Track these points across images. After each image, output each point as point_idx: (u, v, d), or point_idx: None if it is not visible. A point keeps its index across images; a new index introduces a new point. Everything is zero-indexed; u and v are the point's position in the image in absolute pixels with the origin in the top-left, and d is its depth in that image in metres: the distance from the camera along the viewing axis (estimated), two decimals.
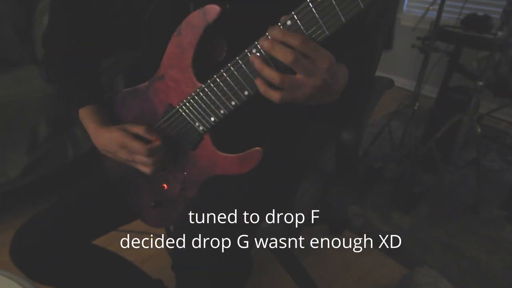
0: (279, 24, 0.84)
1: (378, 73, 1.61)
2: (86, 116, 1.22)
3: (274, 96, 0.88)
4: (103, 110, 1.24)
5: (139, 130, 1.12)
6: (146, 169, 1.14)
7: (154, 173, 1.15)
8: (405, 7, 4.83)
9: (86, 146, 2.48)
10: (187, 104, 1.06)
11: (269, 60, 0.88)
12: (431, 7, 2.77)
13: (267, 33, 0.85)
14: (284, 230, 1.32)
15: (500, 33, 2.41)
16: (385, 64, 2.58)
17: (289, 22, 0.83)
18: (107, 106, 1.26)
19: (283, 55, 0.83)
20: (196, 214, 1.06)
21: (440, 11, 2.60)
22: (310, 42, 0.82)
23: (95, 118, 1.21)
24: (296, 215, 1.39)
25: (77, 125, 2.32)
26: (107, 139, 1.16)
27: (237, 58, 0.92)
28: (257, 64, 0.87)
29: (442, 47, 2.92)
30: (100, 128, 1.18)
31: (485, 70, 2.48)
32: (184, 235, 1.03)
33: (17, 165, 2.28)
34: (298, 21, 0.82)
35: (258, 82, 0.89)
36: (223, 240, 1.00)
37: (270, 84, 0.88)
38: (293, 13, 0.81)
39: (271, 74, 0.86)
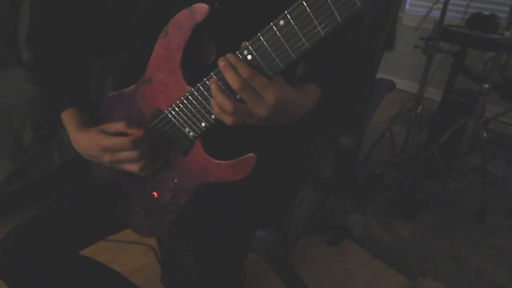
0: (271, 24, 0.83)
1: (379, 75, 1.62)
2: (67, 119, 1.21)
3: (227, 120, 0.96)
4: (85, 113, 1.23)
5: (119, 126, 1.10)
6: (133, 167, 1.12)
7: (143, 171, 1.13)
8: (407, 6, 4.84)
9: (73, 152, 2.44)
10: (176, 108, 1.05)
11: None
12: (434, 6, 2.76)
13: (258, 34, 0.87)
14: (280, 239, 1.32)
15: (507, 33, 2.40)
16: (386, 66, 2.58)
17: (282, 22, 0.82)
18: (93, 109, 1.25)
19: (232, 80, 0.89)
20: (188, 224, 1.06)
21: (444, 10, 2.60)
22: (258, 78, 0.88)
23: (75, 121, 1.19)
24: (293, 223, 1.38)
25: (64, 130, 2.32)
26: (85, 141, 1.14)
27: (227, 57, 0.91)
28: (213, 89, 0.94)
29: (446, 48, 2.92)
30: (79, 131, 1.17)
31: (491, 72, 2.48)
32: (175, 245, 1.03)
33: (1, 172, 2.27)
34: (291, 20, 0.82)
35: (213, 104, 0.95)
36: (215, 250, 1.00)
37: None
38: (286, 12, 0.81)
39: (224, 102, 0.93)
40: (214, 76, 0.94)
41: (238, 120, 0.95)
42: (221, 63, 0.90)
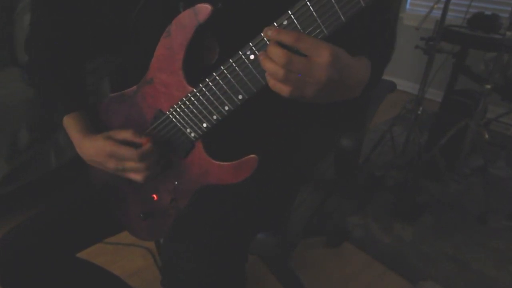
0: (275, 24, 0.84)
1: None
2: (70, 124, 1.21)
3: (283, 89, 0.87)
4: (87, 117, 1.23)
5: (126, 134, 1.11)
6: (137, 176, 1.13)
7: (145, 181, 1.14)
8: (408, 6, 4.84)
9: (69, 153, 2.47)
10: (178, 109, 1.06)
11: None
12: (435, 6, 2.77)
13: (262, 34, 0.86)
14: (280, 242, 1.32)
15: (509, 33, 2.41)
16: (387, 66, 2.58)
17: (285, 22, 0.83)
18: (91, 111, 1.25)
19: (276, 57, 0.83)
20: (188, 226, 1.06)
21: (445, 9, 2.60)
22: (306, 38, 0.82)
23: (79, 127, 1.19)
24: (292, 225, 1.38)
25: (60, 130, 2.31)
26: (92, 149, 1.15)
27: (231, 60, 0.92)
28: (260, 56, 0.87)
29: (447, 48, 2.92)
30: (84, 138, 1.17)
31: (492, 73, 2.49)
32: (175, 245, 1.03)
33: None
34: (294, 20, 0.82)
35: (266, 75, 0.88)
36: (216, 251, 1.00)
37: None
38: (289, 12, 0.82)
39: (273, 67, 0.85)
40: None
41: (295, 90, 0.87)
42: (261, 57, 0.86)
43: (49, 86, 1.27)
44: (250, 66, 0.91)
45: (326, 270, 2.29)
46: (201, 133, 1.06)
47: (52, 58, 1.29)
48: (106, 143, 1.11)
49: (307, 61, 0.83)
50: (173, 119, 1.08)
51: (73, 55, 1.31)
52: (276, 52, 0.83)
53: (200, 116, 1.03)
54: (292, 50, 0.83)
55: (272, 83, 0.88)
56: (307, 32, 0.82)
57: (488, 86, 2.50)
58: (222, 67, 0.94)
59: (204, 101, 1.00)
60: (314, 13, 0.80)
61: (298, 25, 0.82)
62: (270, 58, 0.85)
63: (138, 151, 1.08)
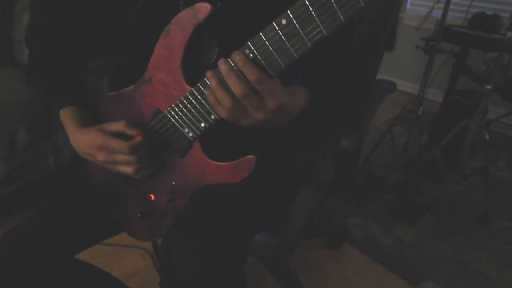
0: (274, 24, 0.84)
1: (379, 76, 1.62)
2: (66, 117, 1.21)
3: (222, 113, 0.96)
4: (84, 112, 1.23)
5: (118, 126, 1.11)
6: (128, 169, 1.12)
7: (137, 174, 1.14)
8: (408, 5, 4.85)
9: (68, 154, 2.47)
10: (176, 108, 1.06)
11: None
12: (436, 5, 2.77)
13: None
14: (279, 243, 1.32)
15: (509, 33, 2.40)
16: (387, 66, 2.58)
17: (284, 22, 0.83)
18: (91, 110, 1.25)
19: (236, 86, 0.88)
20: (187, 227, 1.06)
21: (445, 9, 2.61)
22: (266, 82, 0.88)
23: (75, 120, 1.19)
24: (292, 226, 1.38)
25: (59, 131, 2.31)
26: (84, 140, 1.15)
27: (229, 60, 0.92)
28: (212, 83, 0.92)
29: (448, 48, 2.93)
30: (78, 130, 1.17)
31: (493, 73, 2.48)
32: (173, 249, 1.03)
33: None
34: (293, 20, 0.82)
35: (209, 94, 0.95)
36: (215, 251, 1.00)
37: None
38: (288, 11, 0.82)
39: (224, 97, 0.92)
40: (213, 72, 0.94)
41: (232, 117, 0.95)
42: (222, 66, 0.89)
43: (49, 83, 1.27)
44: None
45: (325, 272, 2.29)
46: (199, 132, 1.06)
47: (51, 57, 1.29)
48: (97, 134, 1.11)
49: (258, 103, 0.91)
50: (171, 118, 1.08)
51: (73, 54, 1.32)
52: (236, 82, 0.88)
53: (198, 116, 1.03)
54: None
55: (214, 103, 0.95)
56: (306, 32, 0.83)
57: (489, 87, 2.50)
58: None
59: (203, 101, 1.00)
60: (313, 13, 0.80)
61: (297, 25, 0.82)
62: (222, 86, 0.91)
63: (128, 144, 1.07)
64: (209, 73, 0.93)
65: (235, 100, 0.90)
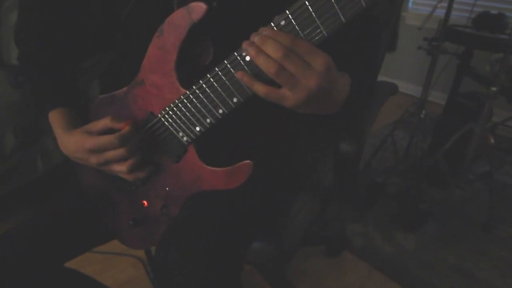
0: (272, 24, 0.84)
1: (380, 78, 1.62)
2: (55, 120, 1.21)
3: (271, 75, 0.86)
4: (75, 114, 1.23)
5: (105, 122, 1.09)
6: (122, 166, 1.10)
7: (132, 172, 1.13)
8: (410, 4, 4.85)
9: (57, 158, 2.47)
10: (170, 112, 1.06)
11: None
12: (439, 4, 2.77)
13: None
14: (276, 251, 1.32)
15: None
16: (388, 68, 2.59)
17: (283, 22, 0.83)
18: (82, 112, 1.25)
19: (272, 50, 0.82)
20: (182, 233, 1.06)
21: (449, 9, 2.61)
22: (303, 42, 0.82)
23: (63, 122, 1.19)
24: (289, 234, 1.38)
25: (48, 135, 2.31)
26: (71, 144, 1.14)
27: (225, 62, 0.92)
28: (251, 52, 0.85)
29: (451, 49, 2.93)
30: (65, 133, 1.16)
31: (498, 74, 2.48)
32: (168, 256, 1.03)
33: None
34: (292, 20, 0.82)
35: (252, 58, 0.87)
36: (210, 263, 1.00)
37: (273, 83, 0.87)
38: (287, 12, 0.81)
39: (268, 62, 0.84)
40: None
41: (284, 82, 0.86)
42: (255, 37, 0.84)
43: (38, 83, 1.27)
44: (246, 68, 0.90)
45: (325, 280, 2.29)
46: (194, 137, 1.06)
47: (41, 57, 1.29)
48: (84, 138, 1.10)
49: (303, 62, 0.83)
50: (165, 122, 1.08)
51: (63, 54, 1.32)
52: (273, 45, 0.82)
53: (193, 120, 1.03)
54: None
55: (266, 91, 0.88)
56: (305, 33, 0.82)
57: (494, 89, 2.50)
58: (216, 68, 0.94)
59: (198, 104, 1.00)
60: (313, 13, 0.80)
61: (296, 26, 0.82)
62: (263, 52, 0.84)
63: (117, 134, 1.06)
64: (245, 44, 0.86)
65: (279, 64, 0.83)
